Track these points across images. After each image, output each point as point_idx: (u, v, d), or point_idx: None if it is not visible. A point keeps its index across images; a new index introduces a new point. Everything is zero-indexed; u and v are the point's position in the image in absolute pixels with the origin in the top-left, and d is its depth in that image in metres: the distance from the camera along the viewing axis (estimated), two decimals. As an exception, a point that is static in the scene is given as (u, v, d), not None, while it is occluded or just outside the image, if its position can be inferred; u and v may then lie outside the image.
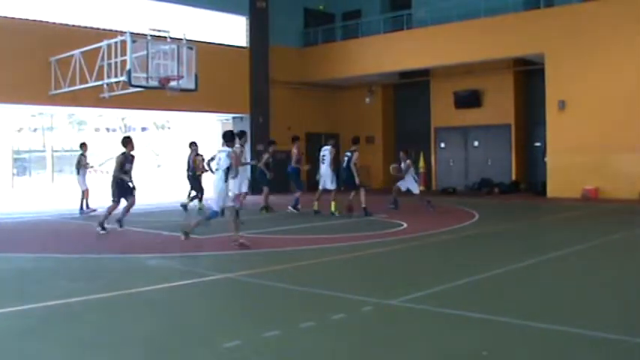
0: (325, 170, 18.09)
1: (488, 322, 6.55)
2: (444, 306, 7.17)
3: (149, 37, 17.98)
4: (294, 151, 19.38)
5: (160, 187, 27.92)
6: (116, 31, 21.19)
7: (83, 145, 20.13)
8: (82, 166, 19.72)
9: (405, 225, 15.15)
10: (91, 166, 20.74)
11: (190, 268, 9.99)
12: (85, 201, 19.61)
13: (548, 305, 7.37)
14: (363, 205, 17.17)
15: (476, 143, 28.15)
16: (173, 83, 18.35)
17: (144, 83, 18.06)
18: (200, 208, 19.19)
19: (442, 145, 29.28)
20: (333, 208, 17.58)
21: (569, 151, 22.56)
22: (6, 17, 21.44)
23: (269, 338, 6.01)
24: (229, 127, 28.42)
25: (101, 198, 18.76)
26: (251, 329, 6.39)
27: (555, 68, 23.04)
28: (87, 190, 19.63)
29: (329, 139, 19.55)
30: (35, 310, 7.42)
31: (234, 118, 28.45)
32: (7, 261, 10.87)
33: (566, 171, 22.63)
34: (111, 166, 18.31)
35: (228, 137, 12.27)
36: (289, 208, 18.78)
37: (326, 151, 18.30)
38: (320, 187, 18.22)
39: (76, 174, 20.06)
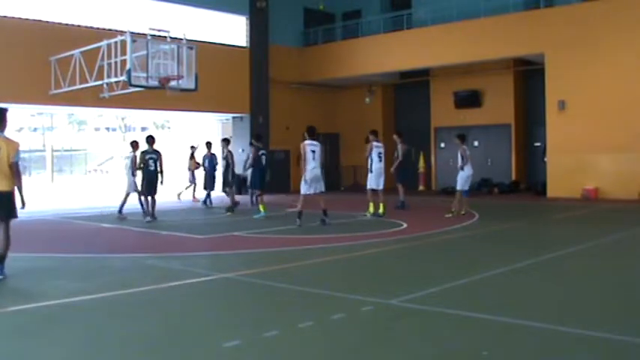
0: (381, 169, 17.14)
1: (489, 322, 6.55)
2: (444, 306, 7.17)
3: (149, 37, 17.98)
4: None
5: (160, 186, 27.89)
6: (116, 30, 21.23)
7: (135, 144, 18.23)
8: (138, 166, 17.66)
9: (405, 225, 15.15)
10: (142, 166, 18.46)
11: (190, 268, 9.98)
12: (123, 203, 17.92)
13: (548, 305, 7.36)
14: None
15: (476, 143, 28.10)
16: (173, 83, 18.35)
17: (144, 83, 18.06)
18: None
19: (442, 145, 29.27)
20: (381, 210, 16.94)
21: (569, 151, 22.57)
22: (6, 17, 21.44)
23: (268, 338, 6.01)
24: (229, 127, 28.50)
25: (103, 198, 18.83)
26: (250, 329, 6.39)
27: (555, 68, 23.04)
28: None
29: (372, 134, 17.69)
30: (35, 309, 7.42)
31: (234, 118, 28.47)
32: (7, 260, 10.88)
33: (566, 171, 22.64)
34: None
35: None
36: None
37: (381, 148, 17.32)
38: (373, 188, 17.03)
39: (130, 175, 17.86)
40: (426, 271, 9.75)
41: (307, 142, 15.26)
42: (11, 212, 9.17)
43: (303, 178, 15.29)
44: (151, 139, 17.23)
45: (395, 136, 19.80)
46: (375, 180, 16.94)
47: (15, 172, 9.01)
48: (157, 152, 17.06)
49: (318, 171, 15.20)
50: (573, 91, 22.66)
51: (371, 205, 16.92)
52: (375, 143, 16.81)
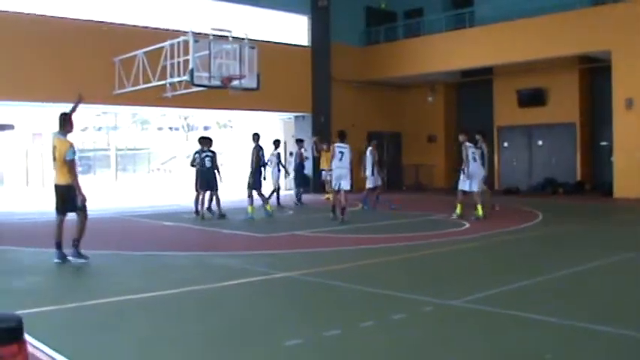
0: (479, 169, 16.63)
1: (553, 325, 6.39)
2: (506, 307, 7.05)
3: (211, 37, 18.13)
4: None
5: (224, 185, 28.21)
6: (179, 31, 21.43)
7: (277, 142, 21.16)
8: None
9: (467, 225, 14.98)
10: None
11: (252, 267, 10.03)
12: (278, 197, 20.43)
13: (616, 309, 7.17)
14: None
15: (540, 142, 27.70)
16: (235, 82, 18.46)
17: (206, 82, 18.20)
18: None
19: (505, 144, 28.91)
20: (480, 212, 16.13)
21: (638, 151, 22.00)
22: (73, 19, 21.95)
23: (329, 337, 5.99)
24: (291, 126, 28.60)
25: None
26: (312, 328, 6.39)
27: (622, 65, 22.50)
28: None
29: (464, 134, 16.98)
30: (105, 304, 7.54)
31: (296, 117, 28.59)
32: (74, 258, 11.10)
33: (634, 171, 22.05)
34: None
35: None
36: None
37: (474, 148, 16.63)
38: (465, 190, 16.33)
39: (276, 172, 20.58)
40: (488, 272, 9.61)
41: (337, 144, 16.32)
42: (72, 204, 10.28)
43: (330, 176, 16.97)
44: (205, 140, 18.08)
45: (478, 136, 19.69)
46: (468, 182, 16.20)
47: (69, 169, 10.22)
48: (213, 152, 17.73)
49: (343, 171, 15.96)
50: (642, 88, 22.13)
51: (458, 206, 16.25)
52: (467, 144, 16.36)
